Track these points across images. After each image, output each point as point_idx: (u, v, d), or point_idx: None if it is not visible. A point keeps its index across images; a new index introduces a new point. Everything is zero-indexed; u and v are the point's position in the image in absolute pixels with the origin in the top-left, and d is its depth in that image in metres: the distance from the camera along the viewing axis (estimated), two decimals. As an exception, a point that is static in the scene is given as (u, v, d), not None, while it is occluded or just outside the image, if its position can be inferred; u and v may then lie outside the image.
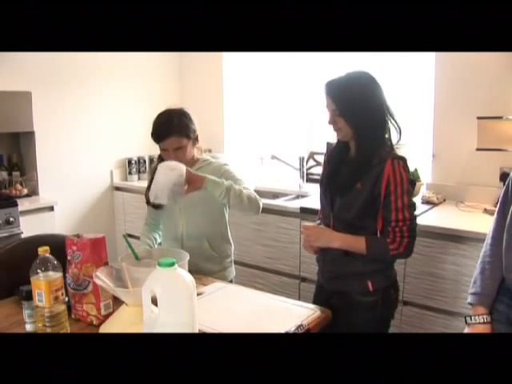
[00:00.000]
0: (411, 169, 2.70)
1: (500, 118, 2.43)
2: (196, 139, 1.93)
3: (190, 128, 1.88)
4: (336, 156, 1.66)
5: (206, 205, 1.90)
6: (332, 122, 1.57)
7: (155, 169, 1.97)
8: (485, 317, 1.43)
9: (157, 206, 1.94)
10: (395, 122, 1.58)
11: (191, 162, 1.93)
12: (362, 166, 1.53)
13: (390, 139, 1.58)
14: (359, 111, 1.51)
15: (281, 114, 3.75)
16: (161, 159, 1.92)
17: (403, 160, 1.52)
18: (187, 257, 1.47)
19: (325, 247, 1.62)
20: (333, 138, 1.67)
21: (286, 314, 1.43)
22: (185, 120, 1.88)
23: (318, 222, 1.74)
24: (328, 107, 1.56)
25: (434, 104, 2.79)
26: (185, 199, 1.88)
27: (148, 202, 1.95)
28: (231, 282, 1.98)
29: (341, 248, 1.57)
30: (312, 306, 1.51)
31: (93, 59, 3.40)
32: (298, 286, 2.75)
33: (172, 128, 1.83)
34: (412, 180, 1.53)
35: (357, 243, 1.53)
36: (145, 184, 3.00)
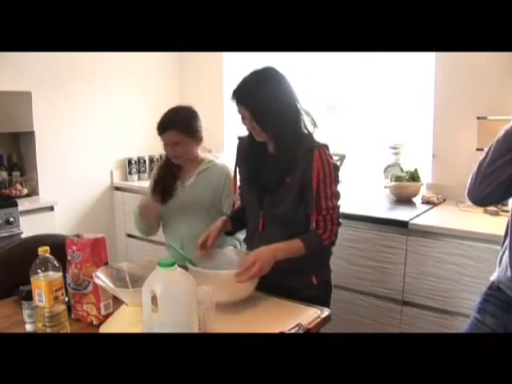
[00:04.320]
0: (411, 169, 2.74)
1: (500, 118, 2.43)
2: (200, 140, 1.96)
3: (193, 126, 1.91)
4: (253, 152, 1.64)
5: (205, 210, 1.96)
6: (251, 128, 1.55)
7: (162, 166, 2.02)
8: None
9: (162, 202, 1.99)
10: (307, 114, 1.58)
11: (196, 162, 2.00)
12: (286, 164, 1.54)
13: (306, 128, 1.58)
14: (272, 114, 1.50)
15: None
16: (166, 157, 1.99)
17: (327, 147, 1.55)
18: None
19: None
20: (243, 131, 1.65)
21: (286, 313, 1.43)
22: (189, 117, 1.92)
23: (226, 217, 1.73)
24: (244, 115, 1.54)
25: (434, 104, 2.79)
26: (184, 202, 1.95)
27: (156, 199, 1.99)
28: None
29: (284, 258, 1.49)
30: (312, 306, 1.50)
31: (93, 59, 3.39)
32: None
33: (174, 122, 1.88)
34: (336, 165, 1.55)
35: (295, 247, 1.51)
36: (145, 184, 3.02)
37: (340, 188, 1.58)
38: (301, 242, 1.51)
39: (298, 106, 1.56)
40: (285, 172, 1.54)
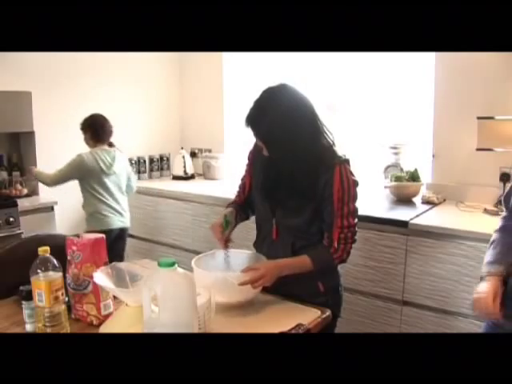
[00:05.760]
0: (411, 169, 2.74)
1: (500, 118, 2.43)
2: (87, 137, 2.91)
3: (82, 126, 2.89)
4: (270, 161, 1.54)
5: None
6: (266, 152, 1.49)
7: None
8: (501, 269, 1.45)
9: None
10: (327, 131, 1.52)
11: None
12: (304, 187, 1.48)
13: (327, 142, 1.52)
14: (286, 141, 1.43)
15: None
16: None
17: (348, 162, 1.49)
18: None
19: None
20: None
21: (286, 313, 1.43)
22: (85, 121, 2.89)
23: (231, 209, 1.69)
24: (258, 141, 1.49)
25: (434, 104, 2.79)
26: None
27: None
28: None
29: (290, 273, 1.50)
30: (312, 306, 1.50)
31: (93, 59, 3.39)
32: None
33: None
34: (356, 181, 1.50)
35: (302, 264, 1.50)
36: (145, 184, 3.05)
37: (358, 204, 1.52)
38: (309, 260, 1.49)
39: (317, 124, 1.49)
40: (303, 192, 1.49)
